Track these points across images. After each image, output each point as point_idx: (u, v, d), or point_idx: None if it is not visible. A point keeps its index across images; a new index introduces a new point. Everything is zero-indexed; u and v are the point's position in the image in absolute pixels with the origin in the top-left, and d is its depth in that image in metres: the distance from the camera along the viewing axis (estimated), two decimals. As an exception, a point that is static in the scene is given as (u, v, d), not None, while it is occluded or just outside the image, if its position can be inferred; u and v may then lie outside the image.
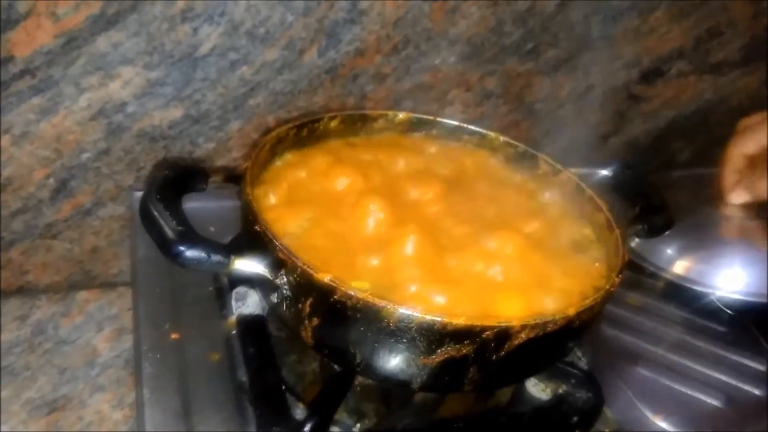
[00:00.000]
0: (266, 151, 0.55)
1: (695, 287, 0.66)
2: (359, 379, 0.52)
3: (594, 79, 0.83)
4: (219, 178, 0.58)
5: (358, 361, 0.45)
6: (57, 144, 0.63)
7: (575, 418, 0.53)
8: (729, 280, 0.65)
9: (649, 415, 0.58)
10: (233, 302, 0.55)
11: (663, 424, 0.58)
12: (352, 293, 0.41)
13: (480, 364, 0.43)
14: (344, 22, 0.66)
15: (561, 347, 0.50)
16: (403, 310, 0.41)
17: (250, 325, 0.54)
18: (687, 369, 0.64)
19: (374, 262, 0.48)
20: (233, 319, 0.55)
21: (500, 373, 0.46)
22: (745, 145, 0.61)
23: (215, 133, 0.68)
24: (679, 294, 0.67)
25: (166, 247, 0.43)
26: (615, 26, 0.80)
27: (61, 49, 0.58)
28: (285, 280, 0.44)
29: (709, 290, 0.65)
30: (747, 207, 0.64)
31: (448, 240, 0.51)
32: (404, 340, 0.42)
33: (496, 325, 0.41)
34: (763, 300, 0.65)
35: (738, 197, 0.62)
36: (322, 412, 0.48)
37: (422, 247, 0.49)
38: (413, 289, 0.46)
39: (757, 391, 0.63)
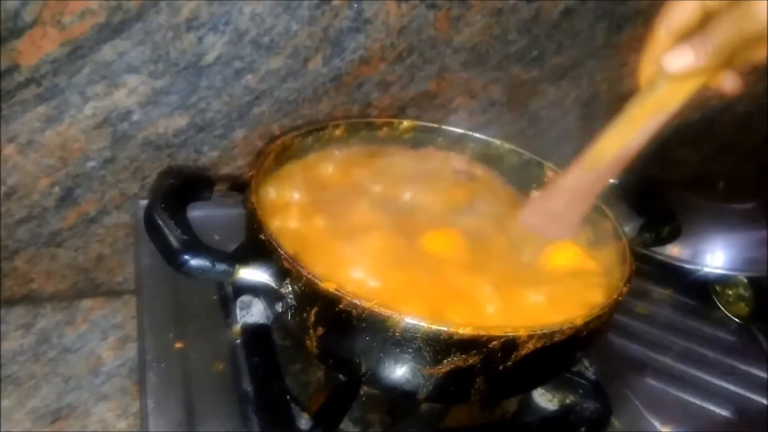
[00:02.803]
0: (271, 159, 0.55)
1: (686, 266, 0.73)
2: (364, 389, 0.51)
3: (599, 86, 0.83)
4: (224, 186, 0.57)
5: (363, 370, 0.45)
6: (62, 152, 0.63)
7: (583, 429, 0.52)
8: (713, 258, 0.73)
9: (658, 425, 0.58)
10: (238, 311, 0.55)
11: (671, 435, 0.57)
12: (358, 302, 0.41)
13: (486, 374, 0.43)
14: (349, 31, 0.66)
15: (568, 357, 0.49)
16: (409, 320, 0.40)
17: (255, 334, 0.54)
18: (695, 379, 0.64)
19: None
20: (238, 328, 0.54)
21: (507, 384, 0.46)
22: (674, 17, 0.46)
23: (220, 141, 0.68)
24: (672, 274, 0.74)
25: (170, 256, 0.43)
26: (620, 34, 0.80)
27: (67, 58, 0.58)
28: (290, 289, 0.44)
29: (697, 267, 0.73)
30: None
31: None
32: (410, 350, 0.42)
33: (503, 334, 0.41)
34: (744, 274, 0.73)
35: (679, 58, 0.43)
36: (327, 422, 0.47)
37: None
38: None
39: (765, 401, 0.62)
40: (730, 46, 0.41)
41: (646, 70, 0.48)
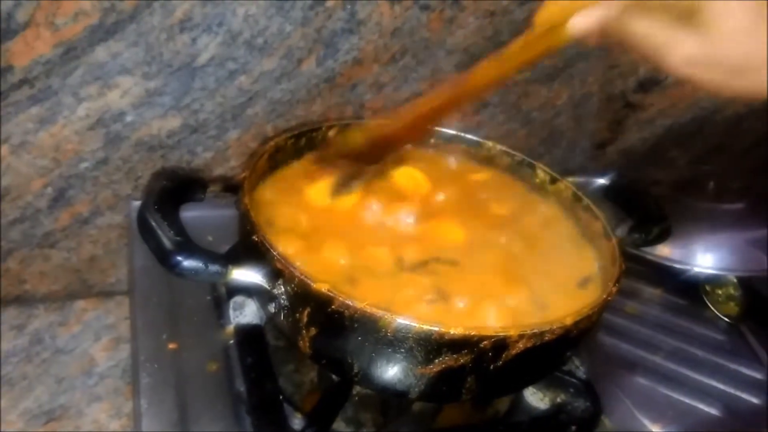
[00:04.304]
0: (264, 161, 0.55)
1: (676, 265, 0.73)
2: (357, 389, 0.52)
3: (590, 87, 0.84)
4: (217, 187, 0.57)
5: (355, 371, 0.45)
6: (55, 153, 0.63)
7: (574, 428, 0.52)
8: (703, 258, 0.73)
9: (648, 423, 0.58)
10: (231, 312, 0.55)
11: (661, 433, 0.58)
12: (350, 303, 0.41)
13: (478, 373, 0.43)
14: (342, 32, 0.66)
15: (559, 356, 0.50)
16: (401, 320, 0.41)
17: (248, 335, 0.54)
18: (685, 378, 0.64)
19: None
20: (231, 328, 0.54)
21: (498, 383, 0.46)
22: None
23: (213, 142, 0.68)
24: (662, 274, 0.74)
25: (163, 257, 0.43)
26: (611, 35, 0.80)
27: (60, 59, 0.58)
28: (282, 289, 0.45)
29: (687, 267, 0.73)
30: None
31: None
32: (402, 350, 0.42)
33: (493, 334, 0.41)
34: (734, 273, 0.73)
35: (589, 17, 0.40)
36: (320, 422, 0.48)
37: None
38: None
39: (755, 400, 0.63)
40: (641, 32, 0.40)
41: (550, 6, 0.43)
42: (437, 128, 0.65)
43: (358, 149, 0.56)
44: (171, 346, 0.54)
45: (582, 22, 0.41)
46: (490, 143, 0.65)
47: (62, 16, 0.56)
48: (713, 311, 0.73)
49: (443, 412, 0.55)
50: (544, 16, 0.43)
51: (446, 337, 0.41)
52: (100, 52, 0.59)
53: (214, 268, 0.43)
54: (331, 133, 0.62)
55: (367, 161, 0.57)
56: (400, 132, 0.54)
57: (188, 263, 0.43)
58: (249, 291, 0.54)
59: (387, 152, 0.57)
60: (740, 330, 0.71)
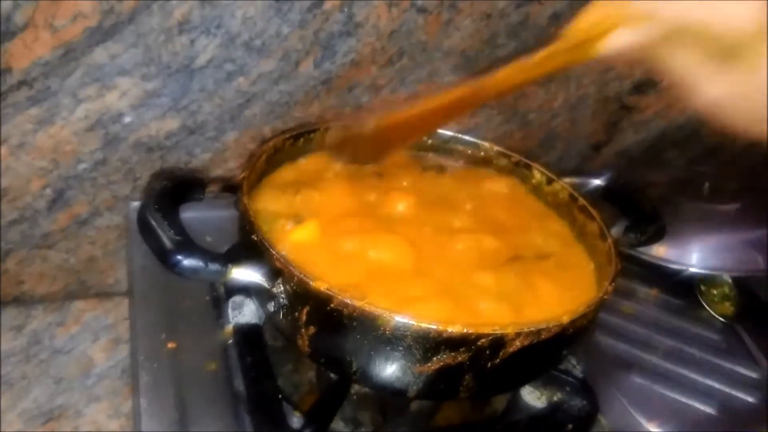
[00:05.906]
0: (262, 161, 0.56)
1: (671, 266, 0.74)
2: (355, 388, 0.52)
3: (587, 89, 0.84)
4: (216, 188, 0.58)
5: (354, 369, 0.45)
6: (54, 154, 0.63)
7: (570, 426, 0.53)
8: (698, 258, 0.74)
9: (644, 422, 0.59)
10: (230, 311, 0.55)
11: (657, 432, 0.58)
12: (349, 301, 0.41)
13: (475, 371, 0.44)
14: (340, 34, 0.67)
15: (555, 355, 0.50)
16: (399, 318, 0.41)
17: (247, 334, 0.54)
18: (681, 377, 0.64)
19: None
20: (230, 328, 0.55)
21: (495, 381, 0.47)
22: None
23: (212, 143, 0.69)
24: (658, 274, 0.75)
25: (163, 257, 0.43)
26: (607, 38, 0.81)
27: (59, 61, 0.59)
28: (282, 288, 0.45)
29: (682, 267, 0.73)
30: None
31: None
32: (400, 348, 0.42)
33: (491, 332, 0.42)
34: (729, 273, 0.74)
35: None
36: (319, 421, 0.48)
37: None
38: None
39: (750, 399, 0.63)
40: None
41: (587, 18, 0.41)
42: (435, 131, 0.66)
43: (358, 144, 0.53)
44: (170, 345, 0.54)
45: (619, 42, 0.39)
46: (487, 144, 0.65)
47: (61, 17, 0.57)
48: (708, 311, 0.73)
49: (441, 411, 0.55)
50: (579, 27, 0.41)
51: (444, 335, 0.41)
52: (99, 54, 0.59)
53: (213, 267, 0.44)
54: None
55: (364, 159, 0.56)
56: (406, 127, 0.51)
57: (188, 262, 0.43)
58: (248, 290, 0.55)
59: (387, 150, 0.55)
60: (735, 330, 0.71)
